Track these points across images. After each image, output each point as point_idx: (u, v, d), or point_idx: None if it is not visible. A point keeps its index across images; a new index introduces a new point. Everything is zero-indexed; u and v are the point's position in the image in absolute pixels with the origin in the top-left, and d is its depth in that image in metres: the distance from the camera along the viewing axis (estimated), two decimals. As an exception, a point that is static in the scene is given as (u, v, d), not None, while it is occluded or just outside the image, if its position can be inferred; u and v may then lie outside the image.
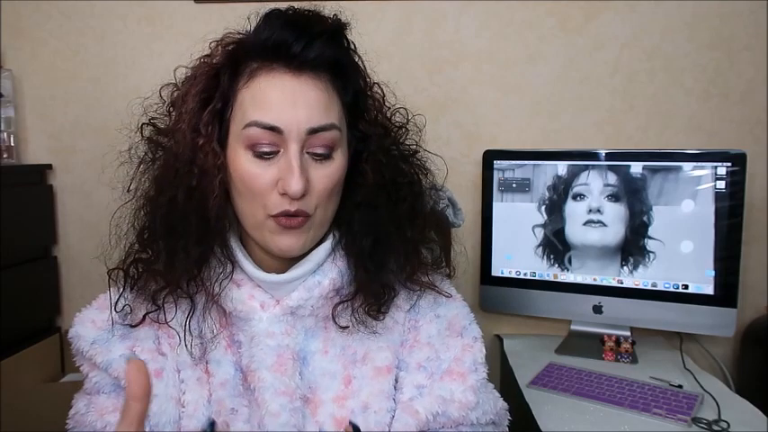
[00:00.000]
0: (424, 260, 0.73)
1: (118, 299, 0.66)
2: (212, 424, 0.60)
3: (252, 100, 0.63)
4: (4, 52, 1.33)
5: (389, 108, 0.73)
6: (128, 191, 0.68)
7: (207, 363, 0.67)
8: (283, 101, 0.62)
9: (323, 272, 0.68)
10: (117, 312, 0.66)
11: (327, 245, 0.69)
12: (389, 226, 0.68)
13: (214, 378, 0.66)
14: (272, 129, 0.61)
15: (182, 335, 0.66)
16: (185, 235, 0.64)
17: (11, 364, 1.16)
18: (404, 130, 0.74)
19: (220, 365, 0.67)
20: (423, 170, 0.75)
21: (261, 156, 0.62)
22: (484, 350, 0.73)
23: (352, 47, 0.69)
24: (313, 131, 0.62)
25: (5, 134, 1.30)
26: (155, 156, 0.68)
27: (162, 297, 0.65)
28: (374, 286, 0.68)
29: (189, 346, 0.66)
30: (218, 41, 0.68)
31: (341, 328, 0.68)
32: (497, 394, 0.75)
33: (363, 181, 0.68)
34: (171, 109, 0.69)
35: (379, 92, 0.72)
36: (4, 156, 1.29)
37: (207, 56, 0.68)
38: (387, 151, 0.69)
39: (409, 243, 0.70)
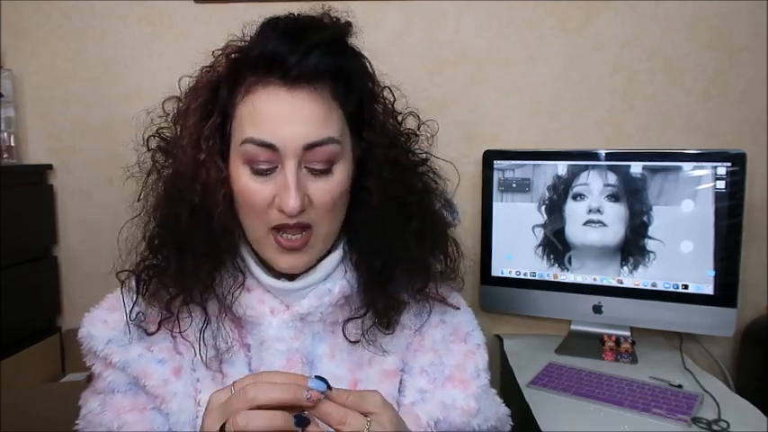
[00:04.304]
0: (434, 273, 0.72)
1: (132, 308, 0.66)
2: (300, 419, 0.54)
3: (248, 116, 0.62)
4: (4, 52, 1.33)
5: (400, 113, 0.72)
6: (138, 200, 0.68)
7: (221, 362, 0.67)
8: (278, 117, 0.60)
9: (333, 280, 0.68)
10: (131, 321, 0.66)
11: (337, 254, 0.69)
12: (397, 247, 0.67)
13: (228, 379, 0.66)
14: (268, 146, 0.60)
15: (197, 347, 0.66)
16: (193, 251, 0.63)
17: (11, 364, 1.16)
18: (414, 136, 0.73)
19: (234, 366, 0.67)
20: (433, 180, 0.73)
21: (258, 172, 0.62)
22: (486, 356, 0.73)
23: (357, 52, 0.67)
24: (310, 147, 0.61)
25: (5, 134, 1.30)
26: (160, 169, 0.68)
27: (176, 306, 0.65)
28: (383, 302, 0.68)
29: (204, 358, 0.66)
30: (221, 50, 0.67)
31: (351, 342, 0.69)
32: (499, 400, 0.75)
33: (368, 199, 0.66)
34: (174, 122, 0.68)
35: (390, 97, 0.71)
36: (4, 156, 1.29)
37: (209, 67, 0.67)
38: (393, 163, 0.67)
39: (418, 262, 0.69)
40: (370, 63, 0.69)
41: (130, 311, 0.66)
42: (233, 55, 0.65)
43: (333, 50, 0.62)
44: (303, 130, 0.60)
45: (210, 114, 0.64)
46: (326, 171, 0.63)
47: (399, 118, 0.72)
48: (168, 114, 0.69)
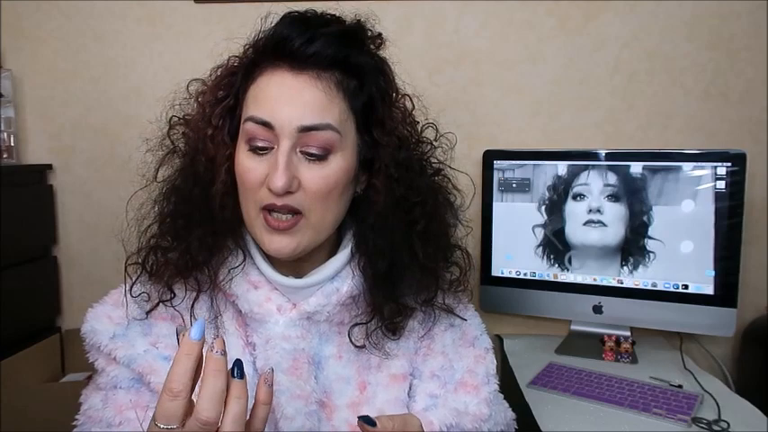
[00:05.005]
0: (442, 284, 0.72)
1: (134, 284, 0.67)
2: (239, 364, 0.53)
3: (254, 96, 0.64)
4: (4, 52, 1.33)
5: (418, 123, 0.72)
6: (154, 180, 0.69)
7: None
8: (279, 98, 0.62)
9: (341, 279, 0.68)
10: (133, 298, 0.66)
11: (345, 253, 0.69)
12: (403, 251, 0.67)
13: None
14: (265, 124, 0.61)
15: (187, 319, 0.66)
16: (194, 220, 0.65)
17: (11, 364, 1.16)
18: (429, 147, 0.73)
19: None
20: (447, 189, 0.74)
21: (255, 150, 0.63)
22: (495, 361, 0.73)
23: (374, 53, 0.68)
24: (305, 129, 0.61)
25: (5, 134, 1.30)
26: (175, 147, 0.70)
27: (174, 280, 0.66)
28: (389, 308, 0.68)
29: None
30: (249, 45, 0.68)
31: (356, 347, 0.68)
32: (507, 404, 0.76)
33: (375, 198, 0.67)
34: (196, 103, 0.70)
35: (408, 104, 0.71)
36: (4, 156, 1.29)
37: (234, 56, 0.69)
38: (401, 165, 0.67)
39: (425, 268, 0.69)
40: (390, 68, 0.70)
41: (131, 287, 0.66)
42: (252, 45, 0.67)
43: (339, 41, 0.64)
44: (301, 112, 0.61)
45: (225, 97, 0.67)
46: (321, 158, 0.63)
47: (418, 128, 0.72)
48: (191, 96, 0.71)
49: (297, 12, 0.66)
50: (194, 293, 0.67)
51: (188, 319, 0.67)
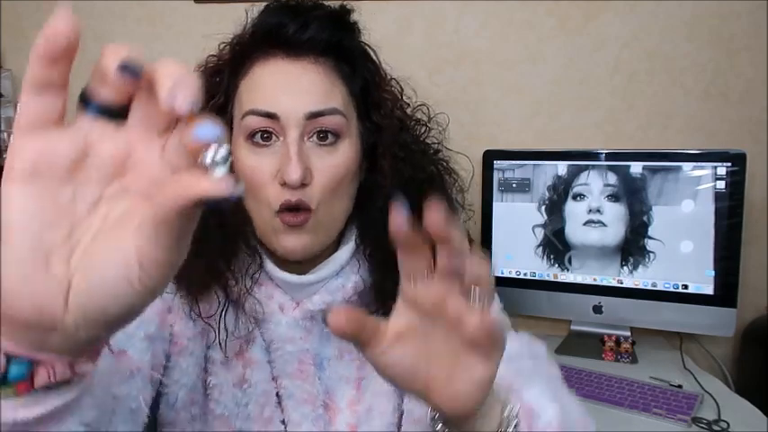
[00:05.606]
0: None
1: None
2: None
3: (249, 89, 0.61)
4: (4, 52, 1.33)
5: (409, 105, 0.71)
6: None
7: (249, 342, 0.65)
8: (279, 86, 0.60)
9: (345, 275, 0.66)
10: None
11: (349, 247, 0.67)
12: None
13: (245, 369, 0.65)
14: (269, 115, 0.59)
15: (216, 331, 0.64)
16: (206, 233, 0.62)
17: (11, 364, 1.16)
18: (425, 127, 0.71)
19: (253, 355, 0.66)
20: (446, 170, 0.72)
21: (258, 144, 0.60)
22: (505, 321, 0.69)
23: (360, 38, 0.67)
24: (312, 116, 0.59)
25: (5, 134, 1.30)
26: None
27: (201, 300, 0.64)
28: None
29: (223, 345, 0.64)
30: (226, 43, 0.67)
31: None
32: (524, 333, 0.68)
33: (382, 180, 0.65)
34: None
35: (397, 87, 0.70)
36: (5, 156, 1.29)
37: (215, 55, 0.67)
38: (405, 146, 0.66)
39: None
40: (375, 52, 0.69)
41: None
42: (236, 41, 0.66)
43: (332, 24, 0.62)
44: (305, 98, 0.59)
45: (213, 97, 0.64)
46: (331, 143, 0.61)
47: (409, 110, 0.71)
48: None
49: (278, 1, 0.64)
50: (223, 305, 0.64)
51: (217, 330, 0.64)
